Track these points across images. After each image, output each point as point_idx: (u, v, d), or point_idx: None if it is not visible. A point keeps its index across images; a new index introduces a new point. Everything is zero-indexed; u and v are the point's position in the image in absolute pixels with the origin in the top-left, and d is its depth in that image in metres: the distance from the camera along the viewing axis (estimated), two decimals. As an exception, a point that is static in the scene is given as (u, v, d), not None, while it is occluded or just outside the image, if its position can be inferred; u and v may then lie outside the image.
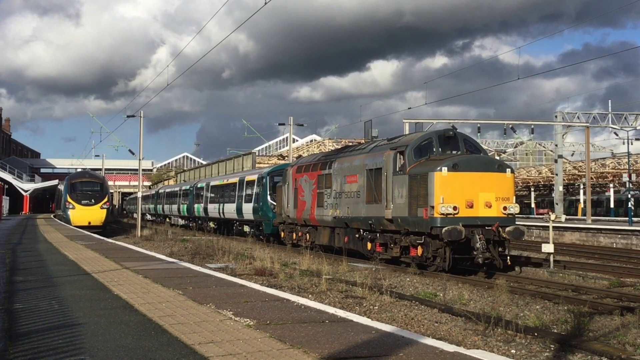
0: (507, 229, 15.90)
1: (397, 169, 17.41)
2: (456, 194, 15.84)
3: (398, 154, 17.54)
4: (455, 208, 15.69)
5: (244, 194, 32.53)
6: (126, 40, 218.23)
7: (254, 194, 30.90)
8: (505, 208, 16.13)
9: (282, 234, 26.44)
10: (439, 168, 15.91)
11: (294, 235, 25.09)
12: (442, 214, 15.65)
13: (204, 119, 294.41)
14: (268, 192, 29.23)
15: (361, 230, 19.64)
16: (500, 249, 16.27)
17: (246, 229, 32.78)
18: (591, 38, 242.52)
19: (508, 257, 16.57)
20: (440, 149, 17.18)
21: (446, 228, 15.34)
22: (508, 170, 16.67)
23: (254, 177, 31.56)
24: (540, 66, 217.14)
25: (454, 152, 17.23)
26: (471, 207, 15.90)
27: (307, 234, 23.87)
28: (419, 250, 16.61)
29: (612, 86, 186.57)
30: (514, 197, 16.77)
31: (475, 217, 15.89)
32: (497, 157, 52.26)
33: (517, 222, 16.71)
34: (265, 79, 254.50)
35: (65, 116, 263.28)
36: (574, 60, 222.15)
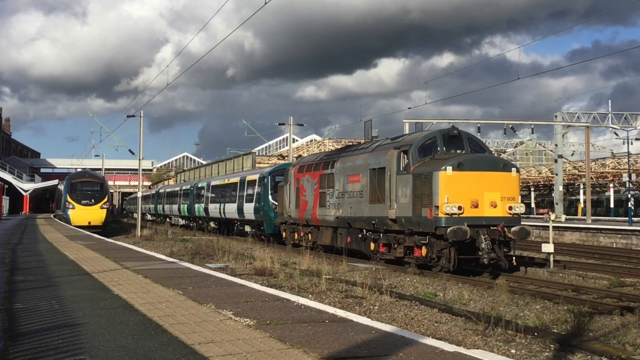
0: (513, 229, 15.72)
1: (401, 169, 17.25)
2: (461, 193, 15.67)
3: (402, 153, 17.38)
4: (460, 208, 15.52)
5: (245, 194, 32.49)
6: (131, 39, 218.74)
7: (255, 193, 30.85)
8: (510, 208, 15.96)
9: (284, 234, 26.30)
10: (443, 167, 15.76)
11: (296, 235, 24.96)
12: (447, 213, 15.48)
13: (207, 118, 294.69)
14: (269, 192, 29.14)
15: (364, 231, 19.48)
16: (505, 249, 16.06)
17: (247, 229, 32.74)
18: (601, 36, 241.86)
19: (514, 258, 16.30)
20: (444, 148, 17.03)
21: (451, 228, 15.18)
22: (513, 169, 16.49)
23: (255, 176, 31.52)
24: (548, 65, 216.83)
25: (459, 151, 17.09)
26: (476, 206, 15.72)
27: (309, 234, 23.76)
28: (423, 251, 16.45)
29: (620, 85, 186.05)
30: (520, 197, 16.60)
31: (480, 217, 15.72)
32: (497, 157, 52.15)
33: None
34: (270, 78, 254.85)
35: (67, 116, 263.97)
36: (582, 58, 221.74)
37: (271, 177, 29.55)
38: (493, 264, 15.84)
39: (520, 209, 16.18)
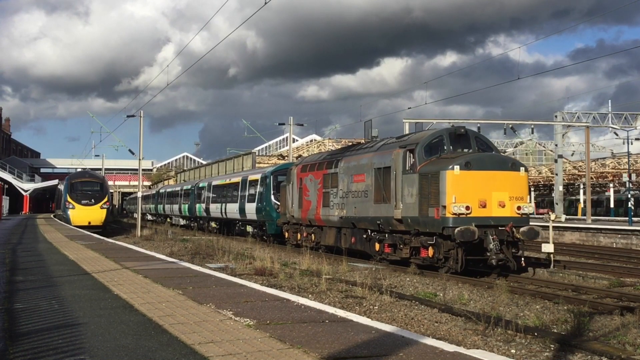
0: (521, 229, 15.54)
1: (407, 168, 17.06)
2: (469, 193, 15.48)
3: (408, 152, 17.18)
4: (467, 208, 15.32)
5: (246, 194, 32.41)
6: (133, 38, 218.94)
7: (257, 193, 30.77)
8: (519, 208, 15.76)
9: (287, 234, 26.16)
10: (450, 166, 15.57)
11: (299, 235, 24.80)
12: (454, 213, 15.28)
13: (208, 118, 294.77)
14: (272, 192, 29.03)
15: (369, 231, 19.31)
16: (513, 250, 15.84)
17: (249, 229, 32.68)
18: (605, 35, 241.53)
19: (522, 259, 16.09)
20: (451, 147, 16.82)
21: (459, 228, 14.98)
22: (522, 168, 16.30)
23: (257, 176, 31.45)
24: (551, 64, 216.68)
25: (466, 150, 16.89)
26: (484, 206, 15.53)
27: (312, 235, 23.62)
28: (430, 252, 16.25)
29: (623, 85, 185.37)
30: (528, 197, 16.43)
31: (488, 217, 15.52)
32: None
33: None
34: (272, 77, 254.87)
35: (68, 115, 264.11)
36: (586, 58, 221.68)
37: (273, 176, 29.45)
38: (501, 265, 15.61)
39: (529, 208, 15.97)
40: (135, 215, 51.70)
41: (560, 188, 44.74)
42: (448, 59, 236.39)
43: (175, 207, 51.04)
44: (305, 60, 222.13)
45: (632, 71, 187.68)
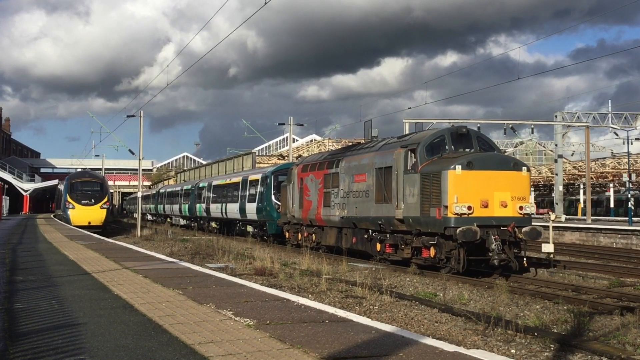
0: (523, 229, 15.52)
1: (409, 168, 17.02)
2: (470, 193, 15.42)
3: (409, 152, 17.14)
4: (469, 208, 15.27)
5: (247, 194, 32.40)
6: (134, 38, 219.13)
7: (257, 193, 30.76)
8: (521, 208, 15.71)
9: (287, 234, 26.11)
10: (452, 166, 15.52)
11: (300, 235, 24.75)
12: (456, 213, 15.23)
13: (208, 118, 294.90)
14: (272, 192, 29.02)
15: (370, 231, 19.28)
16: (515, 250, 15.82)
17: (249, 229, 32.67)
18: (606, 35, 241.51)
19: (524, 259, 16.04)
20: (453, 147, 16.76)
21: (460, 228, 14.93)
22: (524, 168, 16.25)
23: (258, 176, 31.45)
24: (552, 64, 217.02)
25: (467, 150, 16.83)
26: (486, 206, 15.48)
27: (313, 235, 23.58)
28: (432, 252, 16.20)
29: (624, 85, 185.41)
30: (530, 197, 16.40)
31: (490, 217, 15.46)
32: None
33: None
34: (272, 77, 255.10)
35: (68, 115, 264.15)
36: (586, 57, 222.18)
37: (274, 176, 29.42)
38: (503, 265, 15.57)
39: (531, 208, 15.91)
40: (135, 215, 51.71)
41: (560, 188, 44.75)
42: (448, 58, 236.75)
43: (176, 207, 51.04)
44: (306, 60, 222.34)
45: (633, 71, 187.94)
